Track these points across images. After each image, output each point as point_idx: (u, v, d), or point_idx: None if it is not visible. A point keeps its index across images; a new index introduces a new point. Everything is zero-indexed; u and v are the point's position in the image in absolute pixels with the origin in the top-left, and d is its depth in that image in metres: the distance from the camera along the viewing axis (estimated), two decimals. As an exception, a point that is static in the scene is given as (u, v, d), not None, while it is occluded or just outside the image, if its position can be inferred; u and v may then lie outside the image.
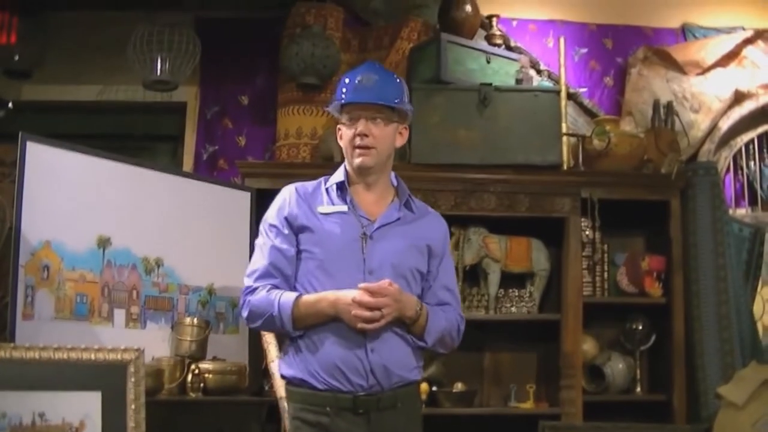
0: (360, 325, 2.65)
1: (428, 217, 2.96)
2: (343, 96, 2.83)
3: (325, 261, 2.76)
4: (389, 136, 2.83)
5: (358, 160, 2.80)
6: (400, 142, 2.90)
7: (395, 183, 2.93)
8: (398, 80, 2.93)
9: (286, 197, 2.87)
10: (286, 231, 2.81)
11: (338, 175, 2.89)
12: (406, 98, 2.89)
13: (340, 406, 2.70)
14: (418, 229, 2.87)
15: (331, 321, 2.71)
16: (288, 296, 2.74)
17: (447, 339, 2.87)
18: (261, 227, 2.90)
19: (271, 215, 2.87)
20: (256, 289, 2.79)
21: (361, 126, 2.78)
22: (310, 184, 2.92)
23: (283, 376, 2.88)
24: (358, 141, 2.78)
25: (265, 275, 2.80)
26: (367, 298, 2.65)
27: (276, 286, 2.77)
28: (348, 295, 2.67)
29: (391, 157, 2.89)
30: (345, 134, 2.83)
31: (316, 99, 4.56)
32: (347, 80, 2.85)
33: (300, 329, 2.74)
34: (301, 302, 2.73)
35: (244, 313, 2.82)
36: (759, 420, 3.90)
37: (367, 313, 2.64)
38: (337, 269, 2.75)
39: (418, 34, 4.75)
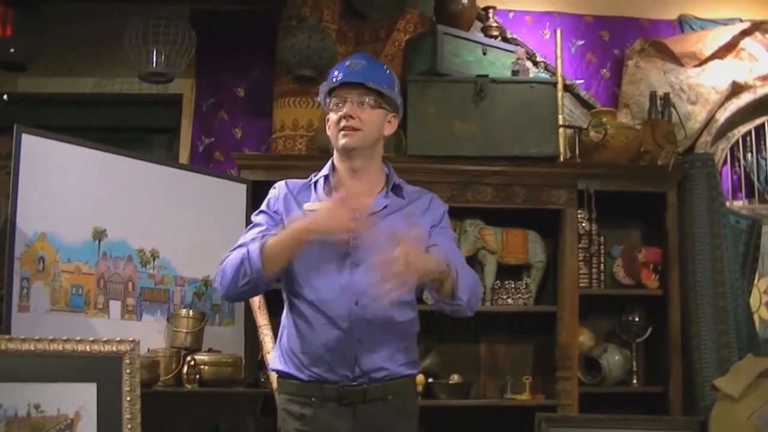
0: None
1: (422, 199, 2.87)
2: (333, 79, 2.78)
3: (310, 256, 2.68)
4: (376, 120, 2.76)
5: (342, 141, 2.73)
6: (389, 130, 2.83)
7: (387, 172, 2.87)
8: (387, 69, 2.90)
9: (276, 193, 2.85)
10: (271, 214, 2.79)
11: (324, 170, 2.84)
12: (396, 88, 2.84)
13: (325, 397, 2.66)
14: (411, 216, 2.75)
15: (317, 313, 2.67)
16: (257, 241, 2.66)
17: (473, 298, 2.72)
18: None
19: (262, 206, 2.86)
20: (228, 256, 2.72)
21: (347, 108, 2.72)
22: (301, 181, 2.88)
23: (273, 370, 2.87)
24: (343, 123, 2.72)
25: (238, 246, 2.73)
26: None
27: None
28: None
29: (378, 143, 2.82)
30: (332, 119, 2.78)
31: (312, 91, 4.52)
32: (336, 68, 2.82)
33: (271, 269, 2.61)
34: (270, 237, 2.65)
35: (218, 278, 2.71)
36: (755, 412, 3.92)
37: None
38: (323, 264, 2.68)
39: (415, 26, 4.73)
